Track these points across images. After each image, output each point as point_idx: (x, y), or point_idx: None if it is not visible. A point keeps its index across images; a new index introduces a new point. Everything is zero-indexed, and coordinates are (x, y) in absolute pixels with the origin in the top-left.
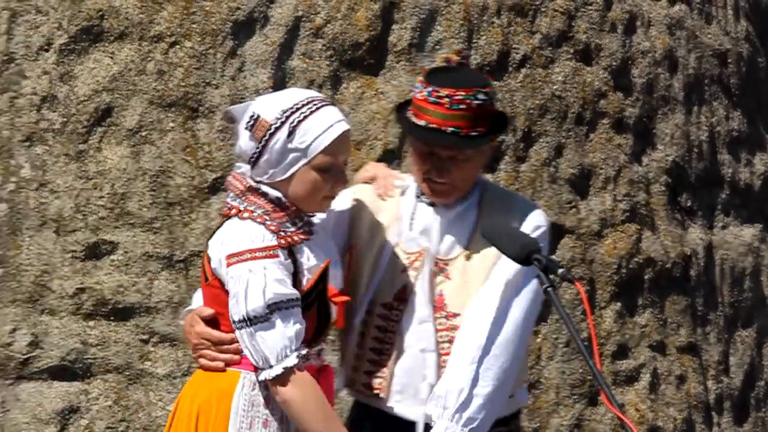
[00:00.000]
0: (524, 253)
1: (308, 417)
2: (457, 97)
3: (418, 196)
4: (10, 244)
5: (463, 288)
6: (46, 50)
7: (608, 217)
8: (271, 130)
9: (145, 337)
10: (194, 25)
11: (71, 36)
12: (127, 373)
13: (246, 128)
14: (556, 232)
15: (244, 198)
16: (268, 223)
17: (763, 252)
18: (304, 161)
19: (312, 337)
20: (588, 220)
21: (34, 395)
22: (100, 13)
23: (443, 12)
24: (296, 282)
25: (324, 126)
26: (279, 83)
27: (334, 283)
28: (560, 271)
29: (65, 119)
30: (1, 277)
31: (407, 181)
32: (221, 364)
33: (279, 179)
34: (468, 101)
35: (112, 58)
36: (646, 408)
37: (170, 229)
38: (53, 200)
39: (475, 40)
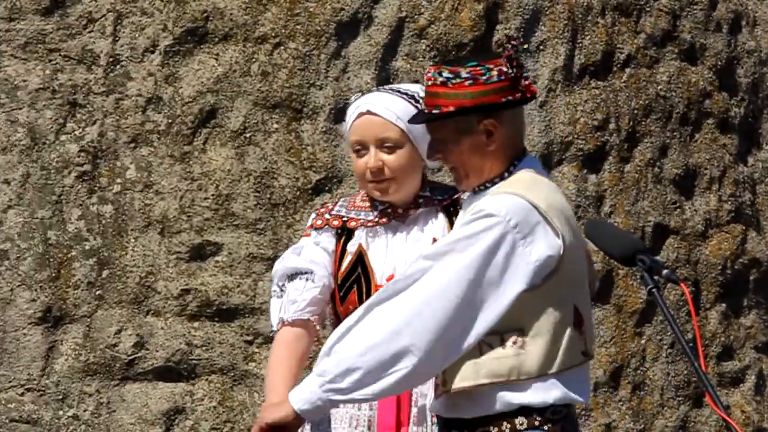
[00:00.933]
0: (629, 252)
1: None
2: (428, 74)
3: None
4: (115, 246)
5: None
6: (152, 52)
7: (713, 217)
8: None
9: (249, 338)
10: (298, 26)
11: (176, 38)
12: (232, 374)
13: None
14: (661, 232)
15: None
16: (324, 207)
17: None
18: (348, 145)
19: None
20: (693, 220)
21: (140, 396)
22: (205, 14)
23: (547, 12)
24: (341, 262)
25: (352, 110)
26: (383, 84)
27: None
28: (665, 272)
29: (170, 121)
30: (106, 279)
31: None
32: None
33: None
34: (432, 78)
35: (216, 59)
36: (752, 410)
37: (274, 230)
38: (158, 201)
39: (579, 40)
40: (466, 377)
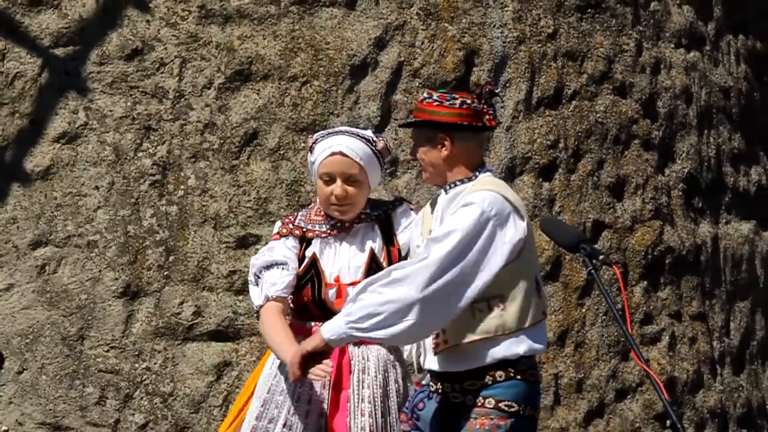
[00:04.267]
0: (573, 242)
1: (265, 336)
2: (425, 95)
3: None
4: (179, 237)
5: None
6: (208, 88)
7: (638, 215)
8: (310, 150)
9: None
10: (321, 68)
11: (227, 77)
12: None
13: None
14: (598, 227)
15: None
16: (287, 219)
17: (757, 242)
18: (315, 171)
19: (306, 311)
20: (623, 217)
21: (197, 353)
22: (249, 59)
23: (513, 57)
24: (301, 263)
25: (324, 147)
26: (386, 113)
27: (344, 274)
28: (601, 256)
29: (222, 141)
30: (172, 262)
31: None
32: None
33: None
34: (421, 97)
35: (258, 94)
36: (666, 362)
37: None
38: (212, 203)
39: (536, 79)
40: (463, 334)
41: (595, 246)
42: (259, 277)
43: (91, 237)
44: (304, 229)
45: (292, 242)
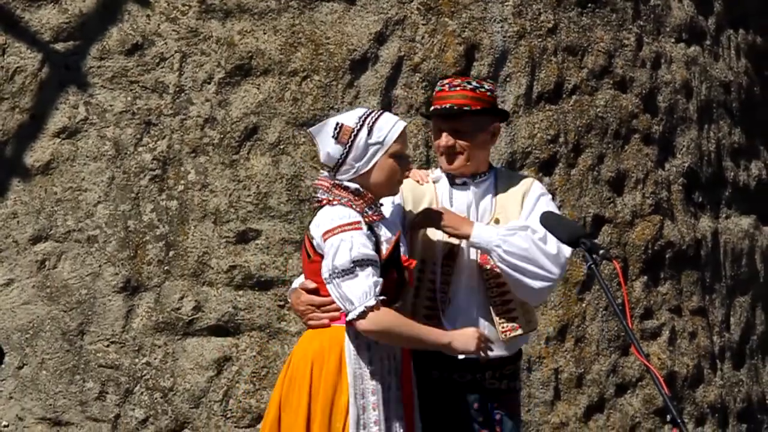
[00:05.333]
0: (573, 238)
1: (402, 331)
2: (454, 83)
3: (451, 184)
4: (179, 232)
5: None
6: (208, 83)
7: (638, 210)
8: (354, 132)
9: (281, 303)
10: (321, 63)
11: (227, 72)
12: (267, 331)
13: (332, 137)
14: (598, 221)
15: (330, 192)
16: (354, 205)
17: (757, 237)
18: (382, 151)
19: (394, 296)
20: (623, 212)
21: (197, 347)
22: (250, 54)
23: (513, 52)
24: (378, 251)
25: (392, 122)
26: (386, 108)
27: (404, 253)
28: (601, 251)
29: (222, 136)
30: (172, 257)
31: (437, 174)
32: (326, 321)
33: (363, 172)
34: (462, 85)
35: (258, 88)
36: (666, 357)
37: (301, 220)
38: (212, 198)
39: (537, 74)
40: (531, 325)
41: (596, 241)
42: (354, 273)
43: (91, 232)
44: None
45: (368, 231)
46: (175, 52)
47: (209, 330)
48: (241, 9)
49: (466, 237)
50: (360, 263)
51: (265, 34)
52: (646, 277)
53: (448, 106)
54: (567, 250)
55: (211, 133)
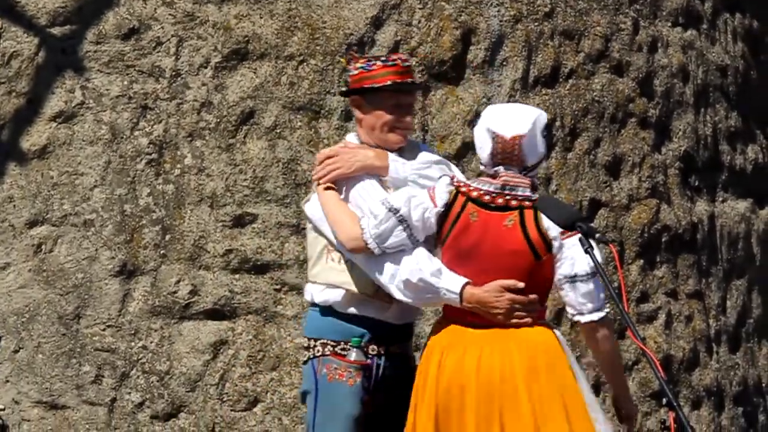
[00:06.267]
0: (570, 221)
1: (618, 363)
2: (403, 58)
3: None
4: (175, 216)
5: None
6: (205, 67)
7: (634, 193)
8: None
9: (277, 286)
10: (318, 47)
11: (224, 56)
12: (264, 315)
13: (543, 136)
14: (594, 205)
15: (536, 191)
16: None
17: (753, 221)
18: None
19: None
20: (619, 196)
21: (193, 331)
22: (246, 38)
23: (509, 36)
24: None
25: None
26: None
27: None
28: (597, 235)
29: (218, 120)
30: (168, 241)
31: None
32: (530, 320)
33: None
34: (408, 60)
35: (254, 73)
36: (662, 341)
37: (297, 204)
38: (209, 182)
39: (533, 58)
40: None
41: (592, 224)
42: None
43: (87, 216)
44: None
45: None
46: (172, 36)
47: (205, 314)
48: None
49: (385, 171)
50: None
51: (261, 18)
52: (642, 261)
53: (410, 81)
54: None
55: (208, 117)
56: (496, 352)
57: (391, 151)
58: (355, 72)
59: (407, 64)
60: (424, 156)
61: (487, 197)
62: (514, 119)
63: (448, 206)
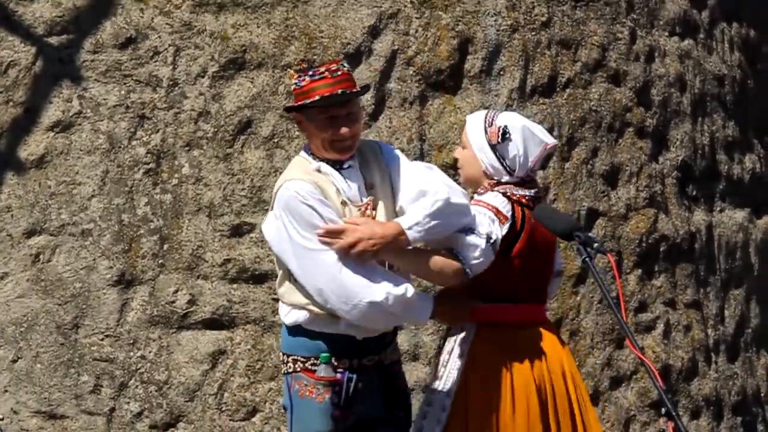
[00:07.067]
0: (568, 231)
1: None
2: (333, 68)
3: (338, 169)
4: (173, 225)
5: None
6: (202, 76)
7: (632, 203)
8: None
9: (275, 296)
10: (315, 57)
11: (221, 65)
12: (262, 324)
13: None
14: (592, 215)
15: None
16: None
17: (751, 230)
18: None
19: None
20: (617, 205)
21: (192, 341)
22: (243, 48)
23: (507, 45)
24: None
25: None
26: (379, 101)
27: None
28: (596, 245)
29: (216, 129)
30: (166, 251)
31: (314, 163)
32: None
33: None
34: (340, 69)
35: (252, 82)
36: (661, 350)
37: None
38: (206, 191)
39: (531, 67)
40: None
41: (590, 234)
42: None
43: (85, 225)
44: None
45: None
46: (169, 45)
47: (204, 323)
48: (234, 2)
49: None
50: None
51: (258, 27)
52: (640, 271)
53: (339, 92)
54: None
55: (205, 127)
56: (549, 350)
57: (345, 161)
58: (292, 88)
59: (338, 73)
60: (407, 186)
61: (531, 202)
62: (541, 127)
63: (513, 216)
